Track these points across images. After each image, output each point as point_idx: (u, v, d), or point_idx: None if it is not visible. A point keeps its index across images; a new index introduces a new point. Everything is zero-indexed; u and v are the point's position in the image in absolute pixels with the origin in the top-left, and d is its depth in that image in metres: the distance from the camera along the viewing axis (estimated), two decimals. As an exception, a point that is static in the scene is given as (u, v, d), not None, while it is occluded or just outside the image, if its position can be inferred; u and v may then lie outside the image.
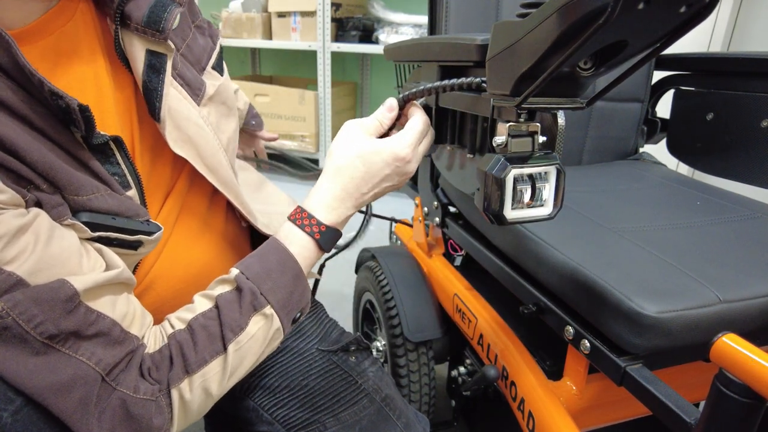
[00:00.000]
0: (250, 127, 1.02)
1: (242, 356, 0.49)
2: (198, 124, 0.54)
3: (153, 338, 0.48)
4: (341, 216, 0.54)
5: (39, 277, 0.39)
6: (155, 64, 0.50)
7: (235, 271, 0.50)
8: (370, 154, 0.53)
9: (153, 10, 0.48)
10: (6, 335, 0.37)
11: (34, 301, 0.37)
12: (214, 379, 0.47)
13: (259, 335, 0.49)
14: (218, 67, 0.62)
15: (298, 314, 0.53)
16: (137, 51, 0.49)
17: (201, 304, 0.50)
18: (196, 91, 0.56)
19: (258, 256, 0.52)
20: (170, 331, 0.48)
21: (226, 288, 0.50)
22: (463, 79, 0.50)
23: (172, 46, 0.50)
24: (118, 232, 0.46)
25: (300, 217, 0.53)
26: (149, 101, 0.50)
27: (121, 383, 0.43)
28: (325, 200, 0.54)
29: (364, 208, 0.87)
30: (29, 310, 0.37)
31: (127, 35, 0.49)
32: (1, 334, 0.37)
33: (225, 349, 0.47)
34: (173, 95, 0.52)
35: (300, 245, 0.53)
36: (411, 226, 1.18)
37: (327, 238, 0.53)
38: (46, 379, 0.38)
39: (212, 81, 0.59)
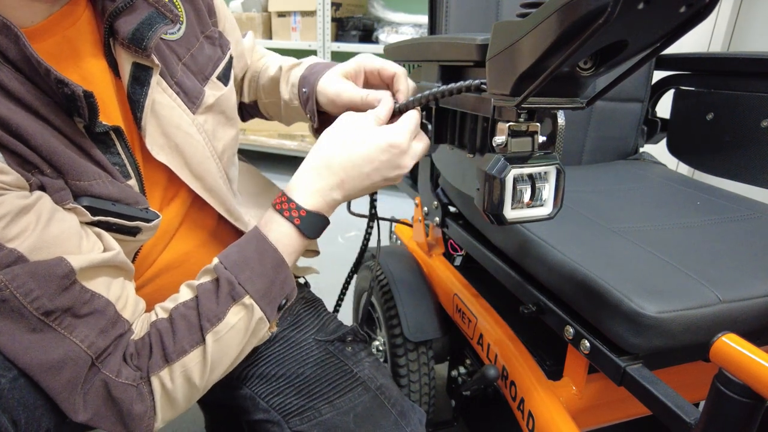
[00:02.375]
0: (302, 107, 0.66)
1: (223, 347, 0.49)
2: (188, 132, 0.55)
3: (140, 325, 0.49)
4: (324, 199, 0.52)
5: (39, 255, 0.40)
6: (140, 77, 0.51)
7: (215, 261, 0.51)
8: (361, 132, 0.52)
9: (139, 27, 0.50)
10: (4, 308, 0.39)
11: (31, 275, 0.39)
12: (195, 369, 0.48)
13: (240, 326, 0.49)
14: (224, 78, 0.62)
15: (284, 301, 0.53)
16: (125, 63, 0.51)
17: (184, 293, 0.51)
18: (193, 100, 0.56)
19: (238, 245, 0.52)
20: (154, 319, 0.49)
21: (207, 278, 0.51)
22: (462, 83, 0.50)
23: (157, 61, 0.51)
24: (117, 218, 0.47)
25: (280, 202, 0.52)
26: (132, 111, 0.52)
27: (105, 366, 0.44)
28: (305, 180, 0.52)
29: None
30: (27, 284, 0.39)
31: (117, 47, 0.51)
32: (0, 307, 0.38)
33: (203, 339, 0.48)
34: (165, 103, 0.53)
35: (279, 232, 0.52)
36: (411, 226, 1.18)
37: (308, 224, 0.52)
38: (38, 357, 0.40)
39: (213, 91, 0.59)
